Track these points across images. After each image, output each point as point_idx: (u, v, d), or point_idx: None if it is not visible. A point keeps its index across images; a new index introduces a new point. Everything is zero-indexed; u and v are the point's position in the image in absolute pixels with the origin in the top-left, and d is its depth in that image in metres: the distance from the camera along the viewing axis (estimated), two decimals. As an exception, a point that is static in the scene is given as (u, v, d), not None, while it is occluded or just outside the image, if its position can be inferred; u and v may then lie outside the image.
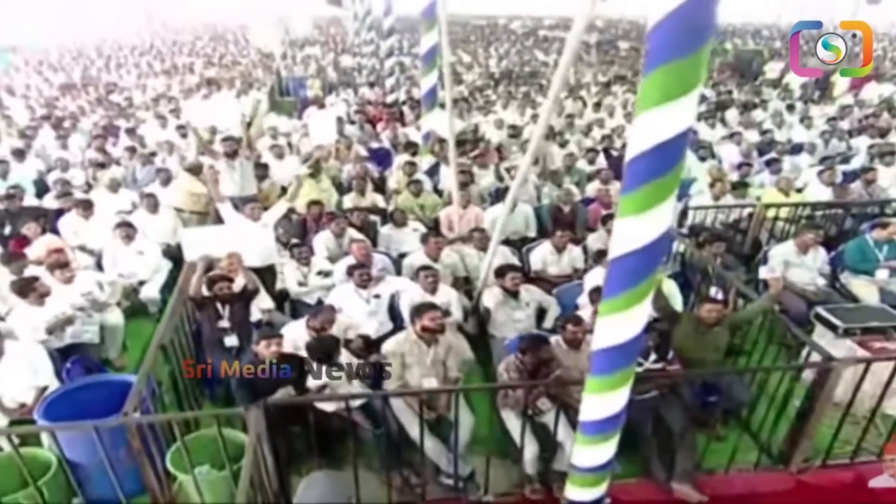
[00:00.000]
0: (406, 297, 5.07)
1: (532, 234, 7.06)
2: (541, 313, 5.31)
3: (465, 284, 5.89)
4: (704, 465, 4.06)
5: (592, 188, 7.99)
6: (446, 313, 4.73)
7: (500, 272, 5.18)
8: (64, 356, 4.61)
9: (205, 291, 4.84)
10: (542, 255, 6.08)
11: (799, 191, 7.91)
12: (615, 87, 16.87)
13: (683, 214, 7.08)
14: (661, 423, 4.05)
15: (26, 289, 4.79)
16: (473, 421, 4.09)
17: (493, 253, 5.12)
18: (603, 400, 2.86)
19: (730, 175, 8.28)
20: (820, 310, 5.09)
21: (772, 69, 19.47)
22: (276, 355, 4.02)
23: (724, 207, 7.11)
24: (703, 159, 8.91)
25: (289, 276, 5.62)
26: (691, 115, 2.20)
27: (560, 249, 6.04)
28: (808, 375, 4.22)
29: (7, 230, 6.69)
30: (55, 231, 6.52)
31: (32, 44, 27.20)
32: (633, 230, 2.39)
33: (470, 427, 4.05)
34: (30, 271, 5.28)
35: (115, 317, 5.43)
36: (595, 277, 5.34)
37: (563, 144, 9.83)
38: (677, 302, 5.12)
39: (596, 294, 4.74)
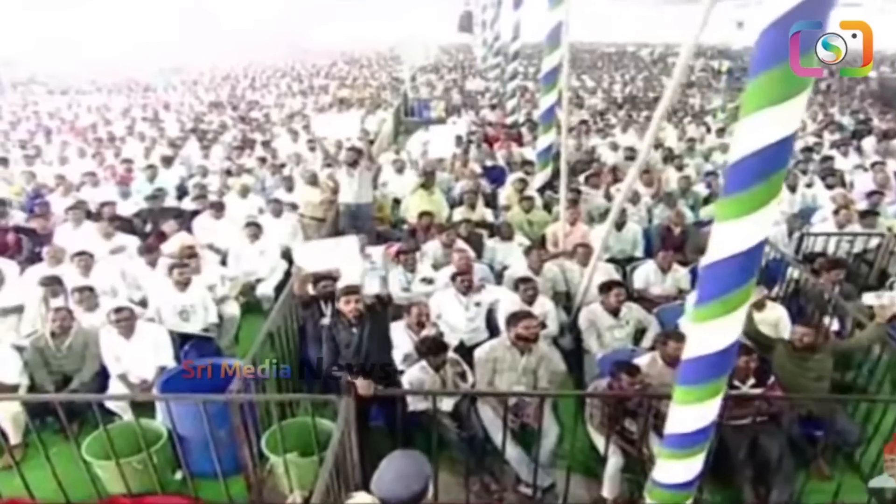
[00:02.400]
0: (504, 306, 5.10)
1: (639, 253, 6.89)
2: (639, 333, 5.17)
3: (564, 299, 5.85)
4: (804, 504, 3.78)
5: (707, 212, 7.67)
6: (542, 325, 4.70)
7: (606, 288, 5.09)
8: (183, 341, 5.03)
9: (310, 291, 4.99)
10: (646, 275, 5.93)
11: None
12: (743, 114, 16.10)
13: (801, 240, 6.64)
14: (757, 451, 3.83)
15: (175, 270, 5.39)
16: (559, 432, 4.05)
17: (594, 268, 5.06)
18: (691, 412, 2.77)
19: (858, 204, 7.68)
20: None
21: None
22: (356, 312, 4.07)
23: (847, 235, 6.61)
24: (830, 187, 8.33)
25: (393, 282, 5.81)
26: (797, 119, 2.18)
27: (665, 269, 5.86)
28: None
29: (149, 227, 7.39)
30: (190, 230, 7.13)
31: (193, 66, 29.85)
32: (731, 234, 2.35)
33: (555, 438, 4.01)
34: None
35: (232, 309, 5.84)
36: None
37: (680, 168, 9.53)
38: (786, 329, 4.81)
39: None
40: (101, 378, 4.63)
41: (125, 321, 4.55)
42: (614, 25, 45.18)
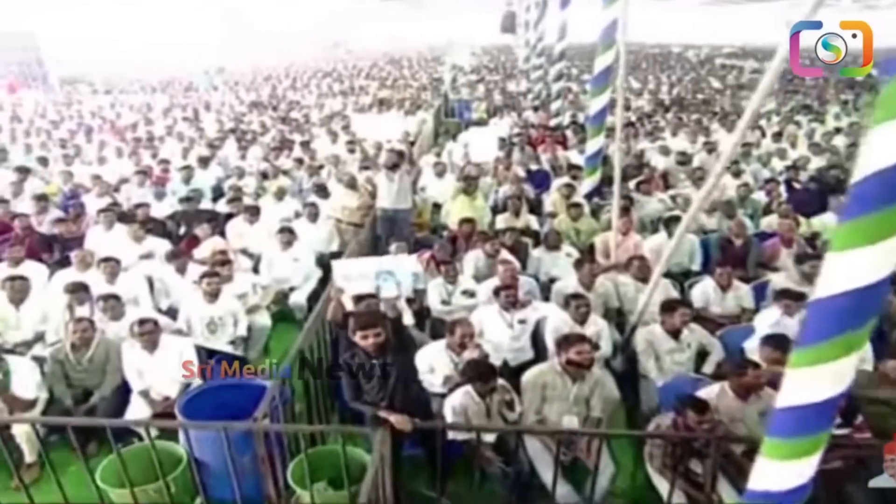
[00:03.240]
0: (552, 324, 4.70)
1: (696, 267, 6.40)
2: (700, 356, 4.72)
3: (616, 316, 5.43)
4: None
5: (767, 222, 7.14)
6: (595, 346, 4.29)
7: (669, 307, 4.64)
8: (208, 354, 4.75)
9: (348, 305, 4.47)
10: (705, 292, 5.46)
11: None
12: (799, 117, 15.35)
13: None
14: (844, 501, 3.36)
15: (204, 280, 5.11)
16: (614, 471, 3.63)
17: (655, 285, 4.63)
18: (783, 468, 2.35)
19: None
20: None
21: None
22: (375, 348, 3.46)
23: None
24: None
25: (432, 294, 5.45)
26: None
27: (725, 287, 5.39)
28: None
29: (182, 230, 7.19)
30: (224, 234, 6.89)
31: (235, 66, 30.04)
32: (851, 265, 1.94)
33: (610, 476, 3.60)
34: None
35: (262, 319, 5.57)
36: (768, 319, 4.68)
37: (737, 174, 8.95)
38: (868, 359, 4.31)
39: (773, 341, 4.11)
40: (123, 392, 4.39)
41: (148, 335, 4.29)
42: (659, 26, 44.30)
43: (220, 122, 14.23)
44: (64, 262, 6.07)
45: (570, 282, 5.39)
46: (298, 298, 6.13)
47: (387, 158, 6.85)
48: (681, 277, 6.05)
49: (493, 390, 3.74)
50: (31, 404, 4.14)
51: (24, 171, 9.01)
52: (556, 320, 4.71)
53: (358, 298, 4.42)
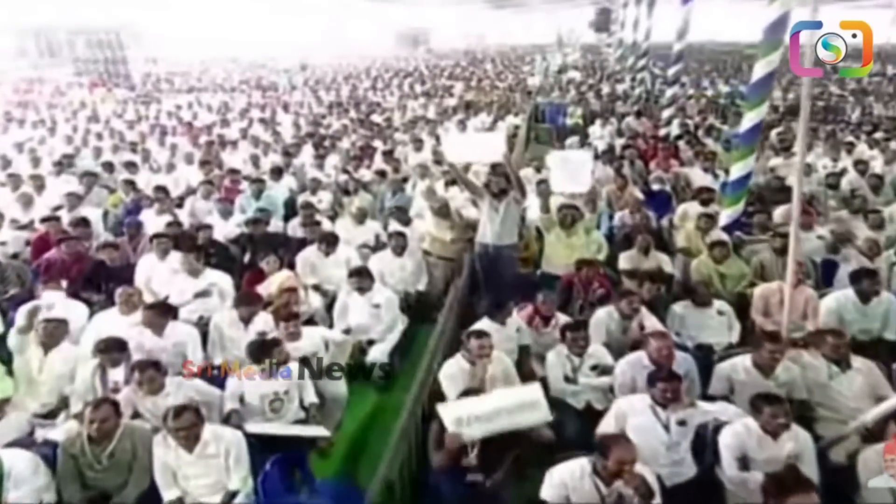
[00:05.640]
0: (732, 437, 3.35)
1: (892, 335, 4.86)
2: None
3: (799, 408, 3.99)
4: None
5: None
6: (811, 486, 2.92)
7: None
8: (264, 445, 3.61)
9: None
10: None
11: None
12: None
13: None
14: None
15: (265, 352, 3.99)
16: None
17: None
18: None
19: None
20: None
21: None
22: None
23: None
24: None
25: (552, 367, 4.19)
26: None
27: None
28: None
29: (247, 257, 6.20)
30: (293, 264, 5.85)
31: (317, 65, 29.58)
32: None
33: None
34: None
35: (337, 387, 4.44)
36: None
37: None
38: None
39: None
40: (152, 499, 3.33)
41: (186, 430, 3.22)
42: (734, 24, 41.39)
43: (298, 124, 13.36)
44: (111, 298, 5.09)
45: (741, 364, 3.99)
46: (379, 354, 4.98)
47: (494, 184, 5.60)
48: (871, 349, 4.56)
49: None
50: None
51: (91, 177, 8.30)
52: (739, 431, 3.35)
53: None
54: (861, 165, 8.80)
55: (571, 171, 5.56)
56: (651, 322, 4.51)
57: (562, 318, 4.53)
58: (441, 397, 3.85)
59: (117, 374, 3.96)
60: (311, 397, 4.12)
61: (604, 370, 4.14)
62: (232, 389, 3.94)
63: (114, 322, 4.57)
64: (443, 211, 6.05)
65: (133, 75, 21.20)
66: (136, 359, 3.95)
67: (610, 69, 25.67)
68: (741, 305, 5.24)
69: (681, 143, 11.03)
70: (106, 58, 20.71)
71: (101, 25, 21.35)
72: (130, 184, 8.01)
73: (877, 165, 9.19)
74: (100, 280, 5.55)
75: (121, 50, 20.57)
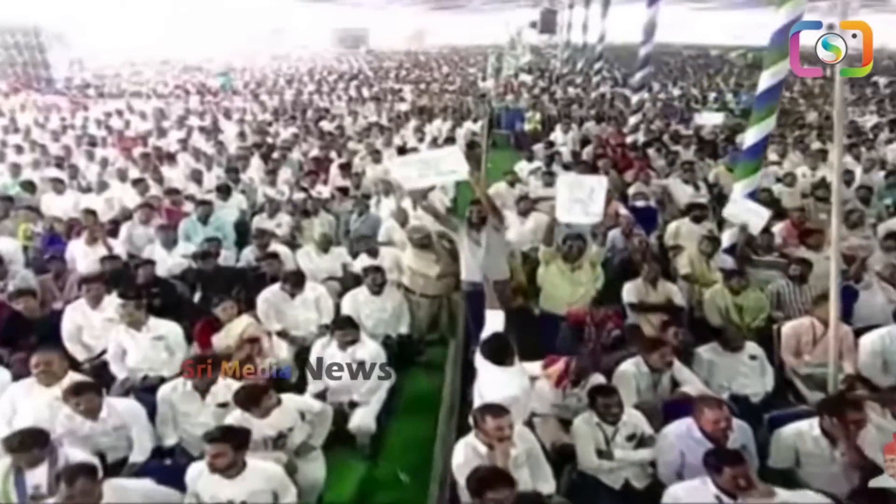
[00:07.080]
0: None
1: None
2: None
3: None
4: None
5: None
6: None
7: None
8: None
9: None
10: None
11: None
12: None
13: None
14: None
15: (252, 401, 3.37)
16: None
17: None
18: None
19: None
20: None
21: None
22: None
23: None
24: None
25: (582, 438, 3.50)
26: None
27: None
28: None
29: (198, 295, 5.33)
30: (252, 303, 5.01)
31: (257, 66, 28.27)
32: None
33: None
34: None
35: (315, 469, 3.65)
36: None
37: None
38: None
39: None
40: None
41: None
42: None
43: (243, 133, 12.32)
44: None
45: (805, 431, 3.39)
46: (363, 419, 4.19)
47: (471, 214, 4.89)
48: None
49: None
50: None
51: (5, 201, 7.15)
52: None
53: None
54: (847, 175, 8.47)
55: (581, 198, 4.81)
56: (685, 376, 3.90)
57: (592, 378, 3.84)
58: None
59: (38, 475, 3.08)
60: (289, 498, 3.30)
61: (642, 441, 3.49)
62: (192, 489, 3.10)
63: (33, 399, 3.65)
64: (424, 242, 5.22)
65: (56, 79, 19.56)
66: (66, 456, 3.08)
67: (557, 72, 25.27)
68: (759, 344, 4.68)
69: (650, 151, 10.56)
70: (25, 61, 19.04)
71: (19, 25, 19.61)
72: (36, 213, 6.91)
73: (857, 174, 8.93)
74: (17, 335, 4.59)
75: (41, 52, 18.91)
